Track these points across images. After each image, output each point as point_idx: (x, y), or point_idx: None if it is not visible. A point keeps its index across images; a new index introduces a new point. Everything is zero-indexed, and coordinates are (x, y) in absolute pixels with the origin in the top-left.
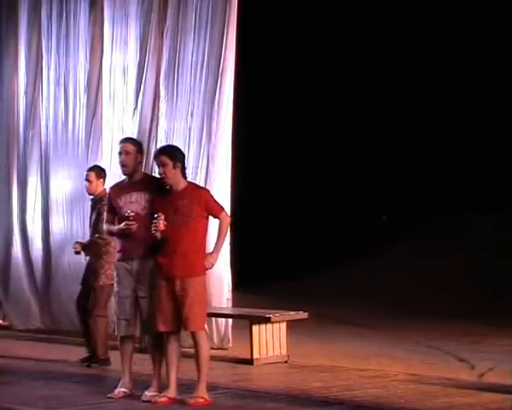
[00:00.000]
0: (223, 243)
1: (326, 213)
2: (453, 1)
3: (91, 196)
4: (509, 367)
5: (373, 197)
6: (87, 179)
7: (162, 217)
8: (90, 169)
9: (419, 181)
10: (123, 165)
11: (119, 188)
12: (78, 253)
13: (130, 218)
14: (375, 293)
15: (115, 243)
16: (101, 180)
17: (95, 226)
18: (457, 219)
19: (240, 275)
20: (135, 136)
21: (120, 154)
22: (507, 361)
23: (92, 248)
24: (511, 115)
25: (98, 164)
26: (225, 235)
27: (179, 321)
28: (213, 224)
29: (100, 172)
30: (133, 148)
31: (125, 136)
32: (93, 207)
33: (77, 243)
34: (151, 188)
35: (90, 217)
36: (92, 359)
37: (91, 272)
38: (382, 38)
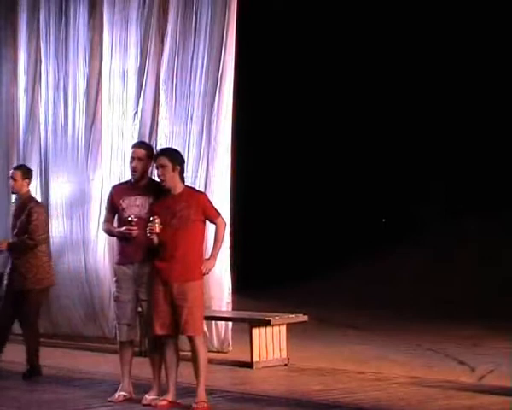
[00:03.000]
0: (220, 247)
1: (325, 216)
2: (452, 2)
3: (15, 195)
4: (508, 370)
5: (372, 200)
6: (12, 177)
7: (158, 220)
8: (17, 168)
9: (419, 182)
10: (134, 170)
11: (121, 189)
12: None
13: (133, 223)
14: (375, 296)
15: (117, 245)
16: (27, 180)
17: (25, 227)
18: (458, 221)
19: (240, 278)
20: (135, 140)
21: (133, 158)
22: (507, 364)
23: (20, 249)
24: (509, 116)
25: (26, 165)
26: (222, 240)
27: (177, 325)
28: (211, 228)
29: (26, 171)
30: (144, 153)
31: (138, 140)
32: (21, 208)
33: (3, 240)
34: (155, 192)
35: (15, 217)
36: (34, 370)
37: (17, 277)
38: (381, 41)
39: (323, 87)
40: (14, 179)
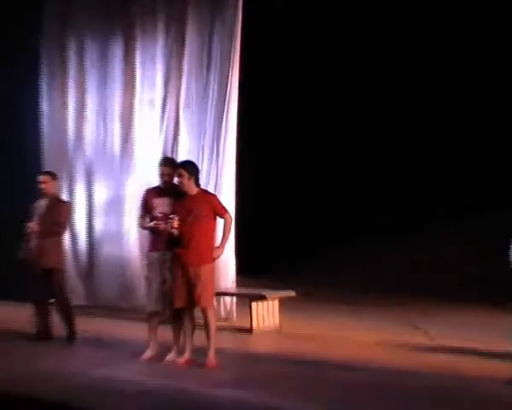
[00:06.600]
0: (227, 238)
1: (324, 215)
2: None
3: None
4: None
5: (371, 198)
6: (43, 182)
7: (176, 217)
8: (45, 173)
9: (417, 183)
10: (164, 183)
11: (153, 192)
12: None
13: (159, 218)
14: (374, 281)
15: (148, 236)
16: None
17: (54, 219)
18: (456, 220)
19: (243, 262)
20: (160, 153)
21: (162, 175)
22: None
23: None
24: (506, 118)
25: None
26: (229, 232)
27: (193, 299)
28: (220, 223)
29: (55, 175)
30: (170, 169)
31: (164, 156)
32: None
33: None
34: (177, 194)
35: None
36: (74, 334)
37: (47, 255)
38: (380, 43)
39: (323, 88)
40: (45, 183)
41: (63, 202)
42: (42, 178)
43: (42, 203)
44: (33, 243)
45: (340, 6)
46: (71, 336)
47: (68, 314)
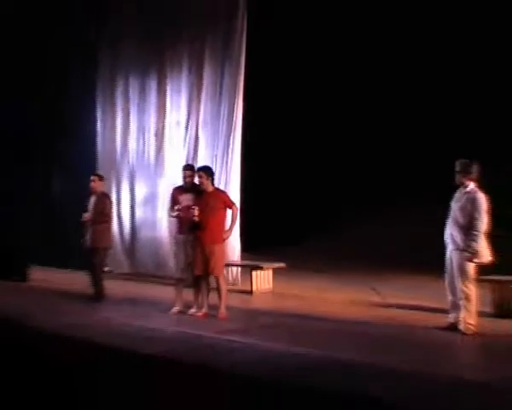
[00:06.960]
0: (234, 224)
1: (311, 204)
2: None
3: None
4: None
5: (355, 181)
6: (94, 181)
7: (196, 208)
8: (95, 174)
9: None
10: (187, 183)
11: (179, 190)
12: None
13: (180, 209)
14: (358, 255)
15: (176, 222)
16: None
17: (101, 210)
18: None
19: (246, 242)
20: (184, 161)
21: (185, 177)
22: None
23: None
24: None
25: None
26: (236, 220)
27: (208, 269)
28: (229, 213)
29: (101, 177)
30: (191, 173)
31: (186, 163)
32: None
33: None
34: (197, 191)
35: (95, 205)
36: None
37: (94, 237)
38: (379, 45)
39: (321, 87)
40: (94, 182)
41: (107, 197)
42: (92, 178)
43: (92, 199)
44: (87, 229)
45: (329, 28)
46: (100, 296)
47: (100, 280)
